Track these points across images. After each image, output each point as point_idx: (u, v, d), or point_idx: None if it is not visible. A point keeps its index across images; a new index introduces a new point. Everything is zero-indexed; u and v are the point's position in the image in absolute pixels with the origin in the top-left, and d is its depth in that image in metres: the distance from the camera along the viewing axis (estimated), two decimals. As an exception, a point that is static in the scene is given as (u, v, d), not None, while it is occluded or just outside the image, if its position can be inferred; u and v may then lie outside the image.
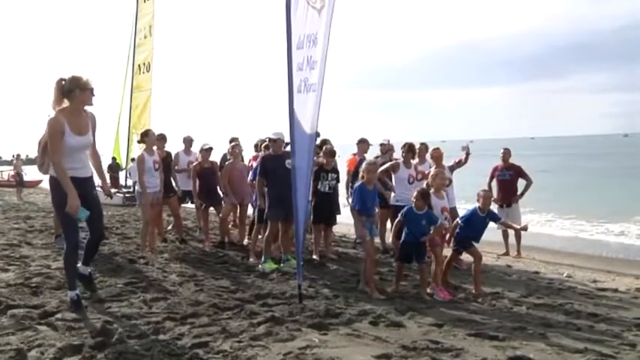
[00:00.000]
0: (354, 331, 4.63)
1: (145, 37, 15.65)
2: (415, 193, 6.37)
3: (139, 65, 15.71)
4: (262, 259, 7.32)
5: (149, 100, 15.30)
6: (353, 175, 8.81)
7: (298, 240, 5.77)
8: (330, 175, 8.21)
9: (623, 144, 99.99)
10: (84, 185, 4.90)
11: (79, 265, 5.19)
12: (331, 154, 8.28)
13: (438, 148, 8.76)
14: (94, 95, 4.89)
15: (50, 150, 4.74)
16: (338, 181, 8.46)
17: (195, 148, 10.12)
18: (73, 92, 4.75)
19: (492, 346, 4.37)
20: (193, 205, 10.13)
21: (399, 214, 6.47)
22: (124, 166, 16.43)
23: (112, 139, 16.98)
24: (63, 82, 4.77)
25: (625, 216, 15.68)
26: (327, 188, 8.17)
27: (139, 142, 9.60)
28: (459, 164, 8.68)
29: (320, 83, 5.83)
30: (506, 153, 10.09)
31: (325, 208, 8.20)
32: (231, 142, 9.92)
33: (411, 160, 8.47)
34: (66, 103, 4.81)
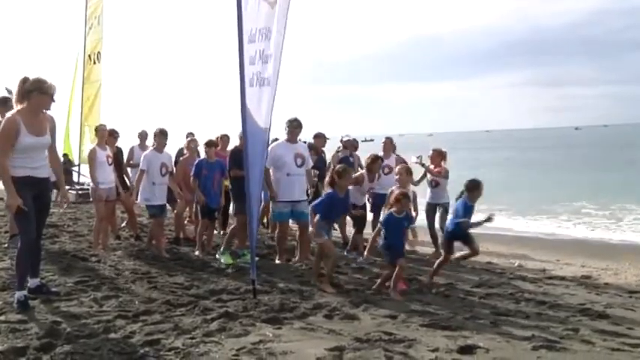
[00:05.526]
0: (308, 324, 4.65)
1: (94, 26, 15.27)
2: (392, 198, 6.20)
3: (89, 55, 15.31)
4: (221, 249, 7.30)
5: (99, 92, 14.95)
6: None
7: (252, 235, 5.74)
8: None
9: (575, 136, 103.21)
10: (38, 185, 4.91)
11: (29, 279, 5.11)
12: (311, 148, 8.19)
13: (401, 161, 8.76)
14: (53, 101, 4.90)
15: None
16: (318, 178, 8.34)
17: (150, 143, 9.97)
18: (32, 93, 4.74)
19: (444, 336, 4.45)
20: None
21: (379, 222, 6.33)
22: (76, 162, 15.98)
23: (61, 135, 16.45)
24: (25, 82, 4.76)
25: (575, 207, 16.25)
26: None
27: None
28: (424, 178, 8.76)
29: (275, 77, 5.78)
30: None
31: None
32: (187, 137, 9.80)
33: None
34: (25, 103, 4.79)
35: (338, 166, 6.54)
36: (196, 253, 7.79)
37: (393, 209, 6.13)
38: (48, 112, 5.00)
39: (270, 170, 7.19)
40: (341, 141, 9.94)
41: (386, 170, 8.71)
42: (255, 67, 5.51)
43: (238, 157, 7.19)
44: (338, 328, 4.56)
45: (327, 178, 6.46)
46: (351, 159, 9.45)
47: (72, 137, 16.37)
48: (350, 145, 9.83)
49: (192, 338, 4.18)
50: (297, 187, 7.24)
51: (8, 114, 4.84)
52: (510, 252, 9.97)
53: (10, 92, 7.98)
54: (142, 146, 10.03)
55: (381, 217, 6.26)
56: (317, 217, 6.10)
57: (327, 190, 6.35)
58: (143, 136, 10.17)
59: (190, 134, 10.12)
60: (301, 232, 7.40)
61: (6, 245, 7.46)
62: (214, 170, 7.90)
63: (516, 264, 8.49)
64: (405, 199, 6.10)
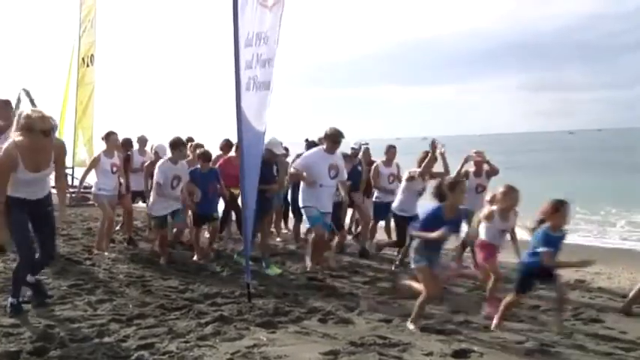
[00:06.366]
0: (302, 328, 4.66)
1: (87, 29, 15.29)
2: (548, 207, 4.78)
3: (82, 58, 15.33)
4: (264, 263, 7.09)
5: (92, 95, 14.96)
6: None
7: (246, 239, 5.74)
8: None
9: (569, 140, 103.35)
10: (35, 206, 4.79)
11: (28, 275, 4.99)
12: (348, 158, 7.70)
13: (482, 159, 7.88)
14: (47, 136, 4.52)
15: None
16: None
17: (148, 148, 10.01)
18: (24, 132, 4.46)
19: (438, 340, 4.48)
20: (144, 205, 9.94)
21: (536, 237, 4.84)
22: (69, 164, 15.94)
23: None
24: (20, 118, 4.52)
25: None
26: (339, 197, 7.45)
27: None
28: (493, 172, 7.97)
29: (272, 81, 5.78)
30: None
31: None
32: (186, 141, 9.78)
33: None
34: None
35: (450, 176, 5.25)
36: (194, 258, 7.68)
37: (548, 224, 4.73)
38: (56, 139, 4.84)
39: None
40: (352, 149, 9.15)
41: (390, 179, 8.56)
42: (252, 71, 5.52)
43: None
44: (332, 332, 4.56)
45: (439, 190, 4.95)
46: (359, 168, 8.81)
47: (65, 140, 16.36)
48: (389, 153, 8.89)
49: (186, 342, 4.18)
50: (327, 198, 6.98)
51: (7, 143, 4.59)
52: (503, 257, 9.96)
53: (27, 93, 7.97)
54: (141, 151, 9.98)
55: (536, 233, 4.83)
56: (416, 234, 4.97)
57: (433, 203, 4.99)
58: (142, 141, 10.11)
59: (190, 139, 10.12)
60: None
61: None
62: (207, 180, 7.70)
63: (510, 269, 8.49)
64: (565, 209, 4.73)
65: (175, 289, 5.83)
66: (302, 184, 7.06)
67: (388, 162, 8.73)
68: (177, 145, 7.49)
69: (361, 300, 5.78)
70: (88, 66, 15.23)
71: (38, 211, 4.82)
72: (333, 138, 6.91)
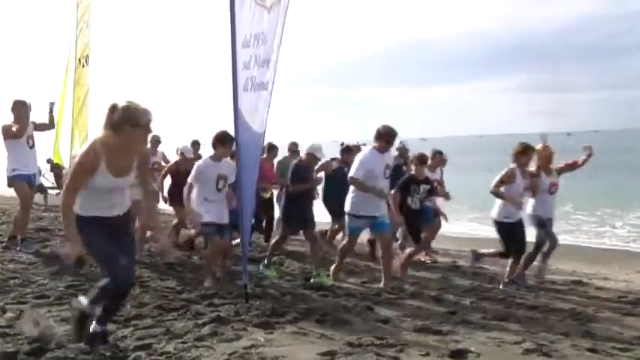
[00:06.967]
0: (300, 329, 4.65)
1: (83, 30, 15.30)
2: None
3: (79, 59, 15.35)
4: (265, 262, 7.01)
5: (87, 96, 14.96)
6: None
7: (244, 241, 5.73)
8: (421, 187, 6.98)
9: (567, 141, 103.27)
10: (112, 221, 3.99)
11: (93, 324, 3.99)
12: (421, 160, 7.07)
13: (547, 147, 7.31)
14: (150, 131, 3.99)
15: (68, 183, 3.83)
16: (431, 194, 7.20)
17: (160, 148, 10.23)
18: (122, 127, 3.77)
19: (436, 340, 4.48)
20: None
21: None
22: (67, 165, 15.92)
23: (52, 139, 16.40)
24: (114, 111, 3.81)
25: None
26: (417, 204, 6.95)
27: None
28: (573, 166, 7.46)
29: (272, 81, 5.77)
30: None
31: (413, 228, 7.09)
32: (192, 145, 9.78)
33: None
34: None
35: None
36: (205, 284, 7.48)
37: None
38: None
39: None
40: (397, 149, 8.57)
41: (434, 185, 8.49)
42: (250, 71, 5.51)
43: (302, 171, 6.96)
44: (330, 333, 4.55)
45: None
46: (404, 168, 8.19)
47: (61, 141, 16.30)
48: (434, 159, 8.47)
49: (183, 343, 4.17)
50: (380, 200, 6.51)
51: (91, 143, 3.89)
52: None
53: (52, 104, 8.13)
54: (154, 152, 9.97)
55: None
56: None
57: None
58: (155, 141, 10.09)
59: (196, 142, 10.11)
60: (385, 248, 6.61)
61: (4, 244, 7.46)
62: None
63: (507, 269, 8.51)
64: None
65: (173, 290, 5.83)
66: (352, 188, 6.53)
67: (432, 168, 8.18)
68: (224, 139, 6.35)
69: None
70: (83, 67, 15.24)
71: (115, 230, 4.00)
72: (387, 137, 6.45)
